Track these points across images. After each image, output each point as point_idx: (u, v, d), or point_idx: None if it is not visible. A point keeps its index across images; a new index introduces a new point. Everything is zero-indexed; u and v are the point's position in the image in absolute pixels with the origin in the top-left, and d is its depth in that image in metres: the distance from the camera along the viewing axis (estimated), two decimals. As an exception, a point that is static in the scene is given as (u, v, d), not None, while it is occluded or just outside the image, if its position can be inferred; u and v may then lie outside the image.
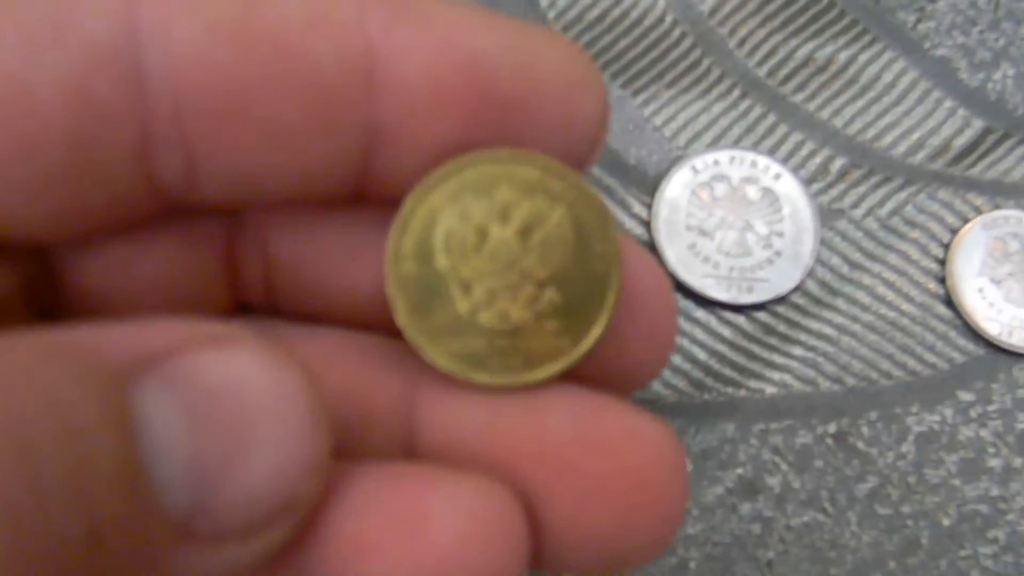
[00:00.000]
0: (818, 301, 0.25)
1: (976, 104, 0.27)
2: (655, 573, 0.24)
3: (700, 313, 0.25)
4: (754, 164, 0.26)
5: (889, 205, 0.26)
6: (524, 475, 0.12)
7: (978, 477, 0.24)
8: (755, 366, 0.25)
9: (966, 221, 0.26)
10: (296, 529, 0.11)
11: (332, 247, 0.13)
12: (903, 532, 0.24)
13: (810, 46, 0.27)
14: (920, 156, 0.27)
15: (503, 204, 0.12)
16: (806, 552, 0.24)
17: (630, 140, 0.26)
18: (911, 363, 0.25)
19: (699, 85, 0.27)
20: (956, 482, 0.24)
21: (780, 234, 0.25)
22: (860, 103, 0.27)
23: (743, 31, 0.27)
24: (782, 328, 0.25)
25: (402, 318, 0.12)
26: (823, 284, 0.26)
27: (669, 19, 0.27)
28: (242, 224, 0.14)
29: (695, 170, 0.26)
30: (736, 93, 0.27)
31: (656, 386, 0.25)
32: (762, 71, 0.27)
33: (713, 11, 0.27)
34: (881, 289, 0.26)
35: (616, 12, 0.27)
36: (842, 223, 0.26)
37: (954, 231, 0.26)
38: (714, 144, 0.26)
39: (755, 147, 0.26)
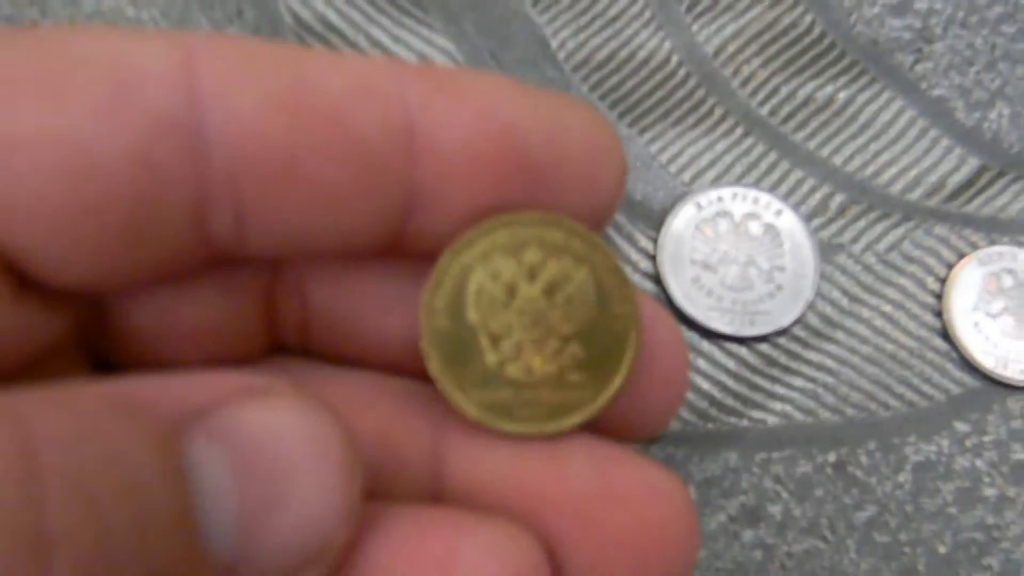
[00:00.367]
0: (818, 334, 0.26)
1: (972, 142, 0.27)
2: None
3: (704, 345, 0.26)
4: (756, 200, 0.26)
5: (887, 240, 0.26)
6: (546, 522, 0.12)
7: (973, 506, 0.25)
8: (757, 396, 0.25)
9: (962, 256, 0.26)
10: (330, 572, 0.11)
11: (367, 297, 0.14)
12: (901, 559, 0.24)
13: (811, 86, 0.28)
14: (917, 193, 0.27)
15: (531, 264, 0.13)
16: (807, 579, 0.24)
17: (637, 176, 0.27)
18: (909, 394, 0.25)
19: (703, 124, 0.27)
20: (952, 511, 0.24)
21: (781, 268, 0.26)
22: (859, 141, 0.27)
23: (746, 72, 0.28)
24: (783, 360, 0.26)
25: (435, 370, 0.13)
26: (823, 317, 0.26)
27: (675, 60, 0.28)
28: (281, 272, 0.14)
29: (699, 206, 0.26)
30: (739, 132, 0.27)
31: (661, 416, 0.25)
32: (764, 110, 0.28)
33: (717, 52, 0.28)
34: (879, 322, 0.26)
35: (624, 53, 0.28)
36: (841, 258, 0.26)
37: (950, 266, 0.26)
38: (717, 181, 0.27)
39: (757, 184, 0.27)
